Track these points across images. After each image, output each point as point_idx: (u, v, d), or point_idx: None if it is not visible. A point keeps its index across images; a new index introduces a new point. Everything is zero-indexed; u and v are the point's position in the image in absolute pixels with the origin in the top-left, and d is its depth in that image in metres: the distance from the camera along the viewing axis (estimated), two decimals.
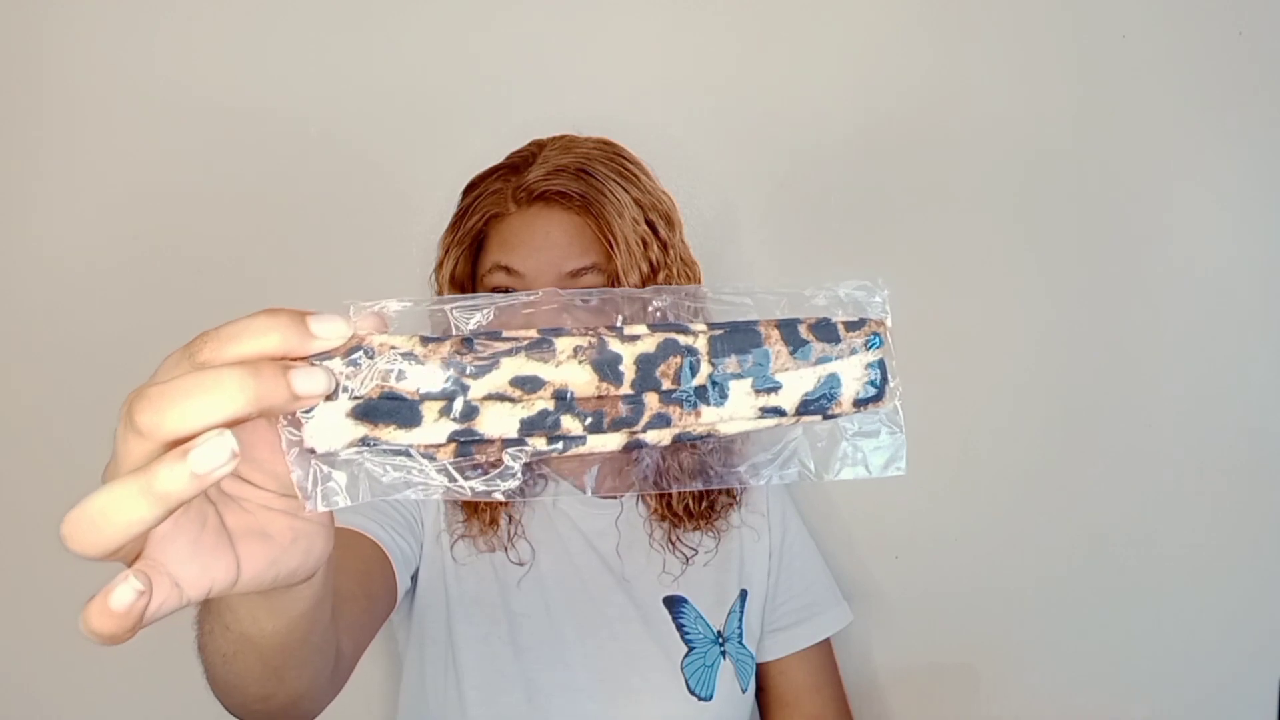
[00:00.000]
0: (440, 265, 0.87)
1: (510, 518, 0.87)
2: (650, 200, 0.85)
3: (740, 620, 0.91)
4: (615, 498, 0.92)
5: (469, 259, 0.86)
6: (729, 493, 0.93)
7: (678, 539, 0.90)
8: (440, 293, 0.86)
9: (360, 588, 0.72)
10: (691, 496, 0.89)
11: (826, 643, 0.99)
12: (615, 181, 0.83)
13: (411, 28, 1.04)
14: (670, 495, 0.89)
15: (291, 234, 1.05)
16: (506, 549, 0.86)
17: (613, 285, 0.82)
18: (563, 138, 0.88)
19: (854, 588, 1.11)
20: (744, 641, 0.91)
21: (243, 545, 0.37)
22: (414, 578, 0.87)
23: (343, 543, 0.75)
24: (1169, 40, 1.09)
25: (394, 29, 1.04)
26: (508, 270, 0.82)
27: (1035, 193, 1.10)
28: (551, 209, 0.82)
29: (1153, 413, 1.13)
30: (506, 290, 0.82)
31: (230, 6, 1.02)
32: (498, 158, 0.90)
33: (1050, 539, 1.13)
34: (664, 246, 0.84)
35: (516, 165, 0.85)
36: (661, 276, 0.83)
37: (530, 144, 0.88)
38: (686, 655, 0.87)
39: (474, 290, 0.86)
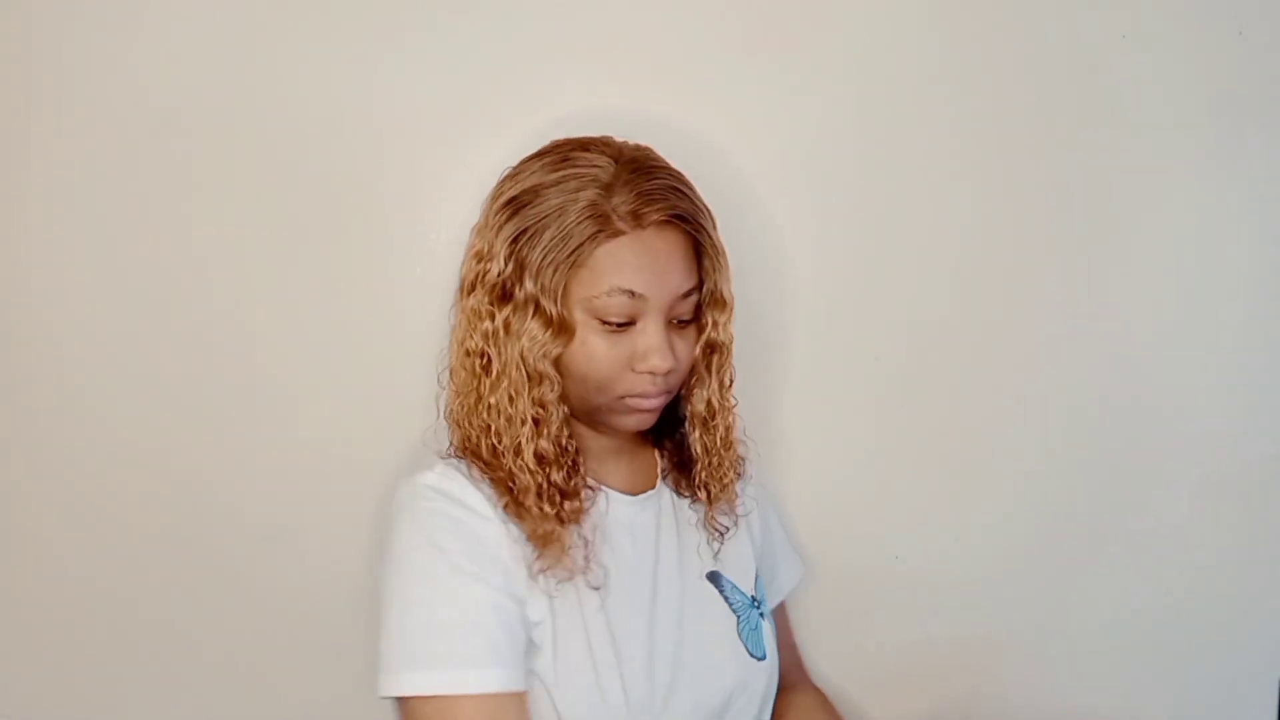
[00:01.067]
0: (518, 278, 0.82)
1: (586, 541, 0.85)
2: (710, 211, 0.88)
3: (761, 585, 0.98)
4: (651, 491, 0.94)
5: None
6: (734, 469, 0.96)
7: (711, 517, 0.93)
8: (525, 307, 0.82)
9: None
10: (728, 477, 0.93)
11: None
12: (696, 196, 0.86)
13: (428, 34, 1.03)
14: (713, 480, 0.92)
15: (306, 242, 1.04)
16: (585, 574, 0.84)
17: (711, 302, 0.86)
18: (629, 150, 0.86)
19: (854, 588, 1.11)
20: (766, 604, 0.98)
21: None
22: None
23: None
24: (1169, 40, 1.09)
25: (411, 34, 1.03)
26: (631, 294, 0.81)
27: (1035, 192, 1.10)
28: (663, 230, 0.83)
29: (1153, 412, 1.13)
30: (627, 319, 0.82)
31: (244, 7, 1.02)
32: (505, 163, 0.90)
33: (1050, 539, 1.13)
34: (725, 254, 0.89)
35: (596, 177, 0.82)
36: (730, 284, 0.88)
37: (589, 149, 0.85)
38: (737, 623, 0.91)
39: (562, 309, 0.81)
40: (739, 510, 0.96)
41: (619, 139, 0.89)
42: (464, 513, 0.81)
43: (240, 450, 1.06)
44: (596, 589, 0.84)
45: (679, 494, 0.95)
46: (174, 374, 1.04)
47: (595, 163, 0.83)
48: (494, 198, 0.87)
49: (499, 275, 0.82)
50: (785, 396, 1.10)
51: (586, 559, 0.84)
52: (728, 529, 0.94)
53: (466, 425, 0.86)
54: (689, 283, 0.84)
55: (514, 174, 0.87)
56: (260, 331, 1.05)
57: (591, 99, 1.04)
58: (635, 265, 0.80)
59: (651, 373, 0.83)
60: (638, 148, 0.88)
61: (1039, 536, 1.13)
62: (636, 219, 0.81)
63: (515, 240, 0.82)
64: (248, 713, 1.07)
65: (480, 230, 0.87)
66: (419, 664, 0.76)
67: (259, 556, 1.06)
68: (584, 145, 0.86)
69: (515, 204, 0.83)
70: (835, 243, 1.10)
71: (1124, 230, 1.11)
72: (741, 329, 0.99)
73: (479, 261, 0.85)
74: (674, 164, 0.89)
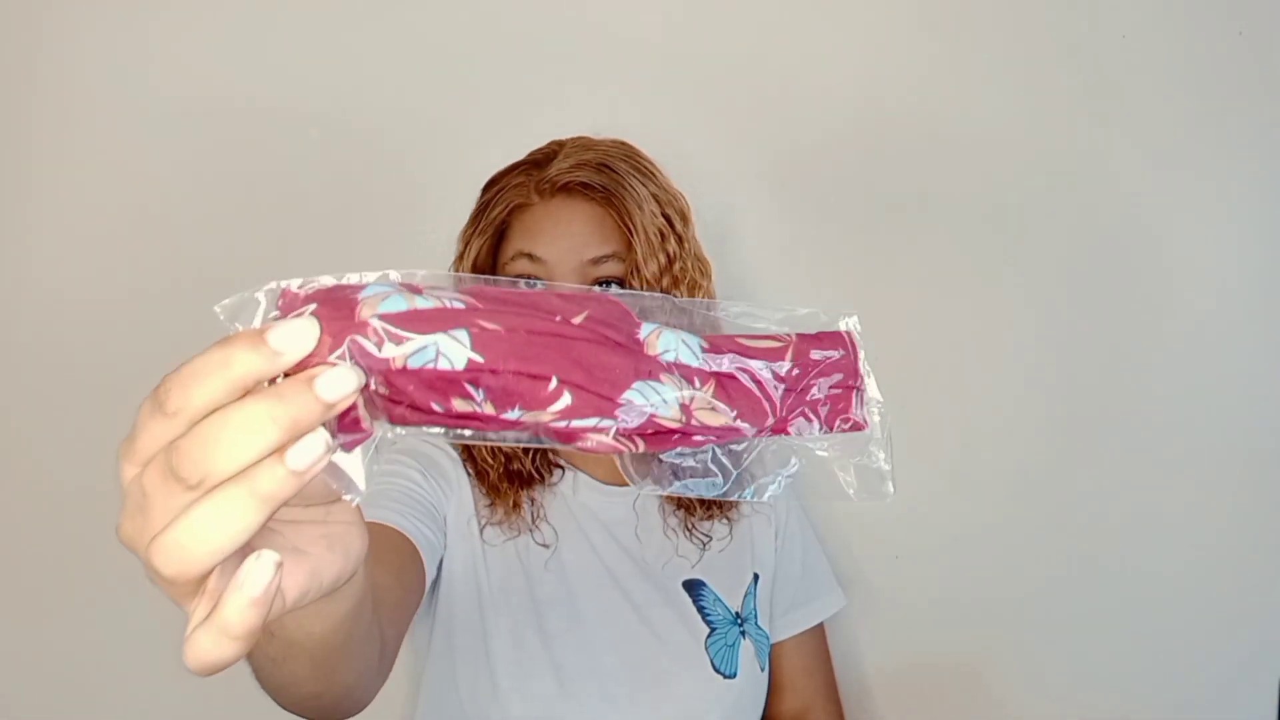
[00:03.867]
0: (461, 257, 0.90)
1: (532, 500, 0.89)
2: (666, 196, 0.89)
3: (754, 602, 0.95)
4: (629, 486, 0.93)
5: (490, 249, 0.89)
6: (738, 483, 0.94)
7: (693, 526, 0.93)
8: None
9: (394, 578, 0.73)
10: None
11: (820, 628, 1.02)
12: (634, 176, 0.87)
13: (429, 36, 1.04)
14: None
15: (307, 238, 1.05)
16: (531, 532, 0.89)
17: (631, 275, 0.87)
18: (581, 138, 0.91)
19: (854, 588, 1.11)
20: (759, 622, 0.95)
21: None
22: (438, 568, 0.88)
23: (372, 535, 0.77)
24: (1169, 40, 1.09)
25: (413, 36, 1.04)
26: (531, 257, 0.85)
27: (1035, 192, 1.10)
28: (574, 200, 0.86)
29: (1152, 413, 1.13)
30: (530, 277, 0.85)
31: (246, 9, 1.02)
32: (503, 163, 0.91)
33: (1050, 539, 1.13)
34: (679, 240, 0.89)
35: (538, 161, 0.89)
36: (677, 268, 0.88)
37: (549, 143, 0.91)
38: (709, 635, 0.90)
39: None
40: (735, 520, 0.95)
41: (598, 136, 0.91)
42: (431, 447, 0.90)
43: None
44: (545, 546, 0.89)
45: (665, 496, 0.94)
46: None
47: (541, 149, 0.90)
48: None
49: (457, 256, 0.91)
50: None
51: (535, 519, 0.89)
52: (709, 538, 0.93)
53: None
54: (598, 250, 0.85)
55: None
56: None
57: (593, 103, 1.05)
58: (535, 231, 0.86)
59: None
60: (604, 139, 0.91)
61: (1038, 536, 1.13)
62: (546, 189, 0.86)
63: (467, 225, 0.90)
64: (251, 710, 1.07)
65: None
66: None
67: None
68: (554, 140, 0.92)
69: (480, 195, 0.92)
70: (834, 243, 1.10)
71: (1123, 229, 1.11)
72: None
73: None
74: (667, 165, 0.90)
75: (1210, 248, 1.12)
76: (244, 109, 1.03)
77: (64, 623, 1.07)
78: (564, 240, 0.85)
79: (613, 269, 0.86)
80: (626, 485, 0.94)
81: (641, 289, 0.86)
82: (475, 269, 0.88)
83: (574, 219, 0.85)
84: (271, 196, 1.04)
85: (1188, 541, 1.14)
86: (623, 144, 0.91)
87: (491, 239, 0.88)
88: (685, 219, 0.90)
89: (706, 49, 1.06)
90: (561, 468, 0.93)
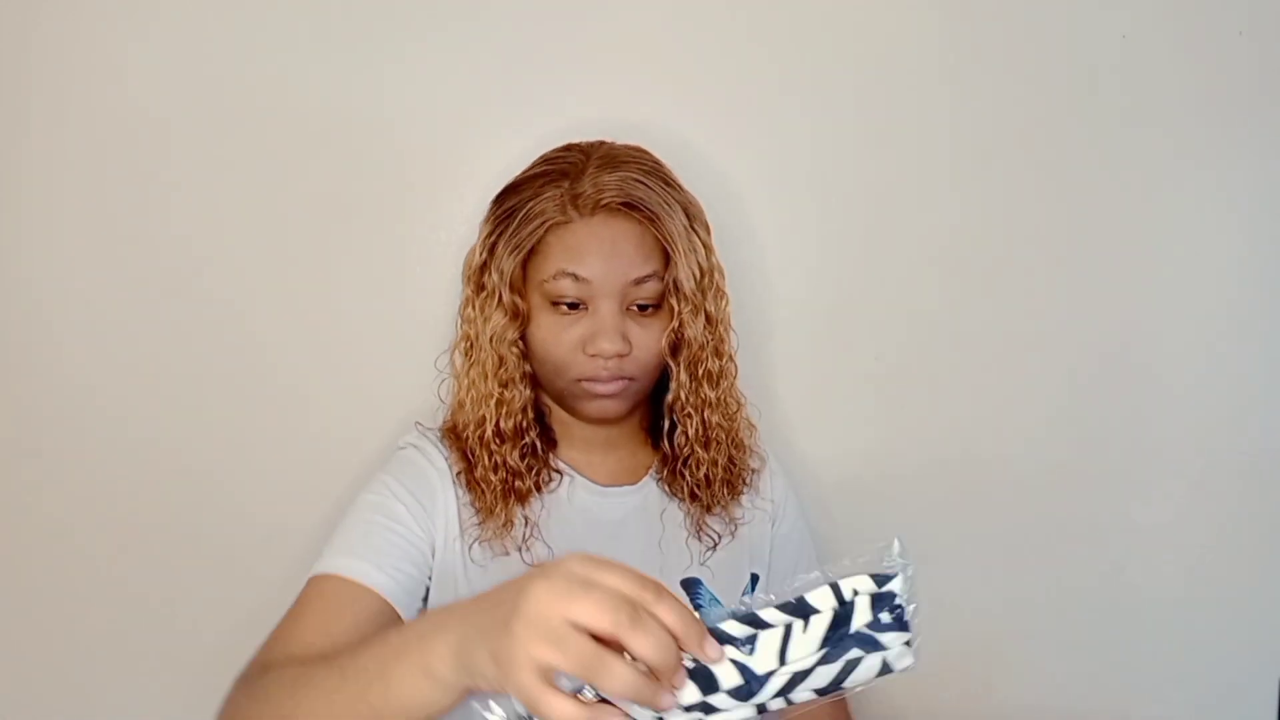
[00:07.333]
0: (486, 266, 0.88)
1: (526, 519, 0.88)
2: (692, 207, 0.90)
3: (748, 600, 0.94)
4: (631, 485, 0.95)
5: (521, 263, 0.87)
6: (741, 478, 0.96)
7: (699, 523, 0.93)
8: (492, 294, 0.87)
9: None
10: (708, 475, 0.92)
11: None
12: (666, 190, 0.87)
13: (431, 37, 1.04)
14: (689, 477, 0.92)
15: (307, 239, 1.05)
16: (521, 550, 0.87)
17: (670, 290, 0.87)
18: (602, 144, 0.90)
19: None
20: None
21: None
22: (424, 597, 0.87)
23: (351, 602, 0.79)
24: (1169, 40, 1.09)
25: (414, 38, 1.03)
26: (575, 278, 0.84)
27: (1034, 192, 1.10)
28: (614, 218, 0.85)
29: (1154, 413, 1.13)
30: (572, 299, 0.85)
31: (250, 10, 1.02)
32: (506, 165, 0.92)
33: (1049, 538, 1.13)
34: (706, 249, 0.89)
35: (566, 171, 0.87)
36: (706, 280, 0.88)
37: (570, 150, 0.90)
38: None
39: (524, 292, 0.87)
40: (739, 519, 0.95)
41: (618, 142, 0.91)
42: (425, 462, 0.90)
43: (245, 450, 1.06)
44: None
45: (670, 494, 0.95)
46: (180, 376, 1.05)
47: (568, 159, 0.88)
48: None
49: (478, 265, 0.89)
50: (785, 396, 1.10)
51: (525, 538, 0.88)
52: (720, 537, 0.93)
53: (453, 401, 0.94)
54: (641, 270, 0.85)
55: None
56: (265, 332, 1.05)
57: (594, 102, 1.05)
58: (580, 250, 0.84)
59: (600, 355, 0.85)
60: (625, 147, 0.90)
61: (1038, 536, 1.13)
62: (586, 206, 0.85)
63: (490, 233, 0.89)
64: None
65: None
66: (324, 552, 0.84)
67: (263, 555, 1.06)
68: (571, 146, 0.91)
69: (498, 200, 0.90)
70: (836, 243, 1.10)
71: (1123, 229, 1.11)
72: (742, 329, 0.99)
73: (471, 253, 0.91)
74: (670, 164, 0.91)
75: (1209, 246, 1.12)
76: (242, 108, 1.03)
77: (62, 626, 1.07)
78: (610, 261, 0.84)
79: (653, 287, 0.86)
80: (626, 485, 0.94)
81: (680, 305, 0.86)
82: (511, 285, 0.86)
83: (618, 238, 0.85)
84: (270, 196, 1.04)
85: (1189, 542, 1.14)
86: (644, 151, 0.90)
87: (525, 253, 0.86)
88: (707, 227, 0.91)
89: (708, 50, 1.06)
90: (560, 472, 0.93)
